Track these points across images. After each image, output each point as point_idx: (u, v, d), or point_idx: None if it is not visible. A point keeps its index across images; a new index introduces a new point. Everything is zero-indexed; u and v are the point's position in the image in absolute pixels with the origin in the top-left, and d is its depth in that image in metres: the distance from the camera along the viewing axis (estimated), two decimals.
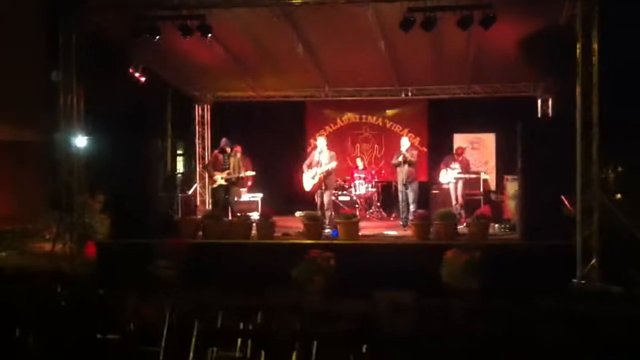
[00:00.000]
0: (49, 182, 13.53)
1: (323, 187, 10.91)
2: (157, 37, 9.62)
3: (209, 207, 14.02)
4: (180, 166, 17.54)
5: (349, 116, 15.20)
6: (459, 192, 11.96)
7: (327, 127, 15.17)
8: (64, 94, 9.95)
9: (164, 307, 5.36)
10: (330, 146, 11.25)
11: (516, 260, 8.68)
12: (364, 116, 15.17)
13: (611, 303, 7.91)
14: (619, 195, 13.77)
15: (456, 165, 12.04)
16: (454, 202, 11.98)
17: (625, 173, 15.13)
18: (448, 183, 12.11)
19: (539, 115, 13.48)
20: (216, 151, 11.90)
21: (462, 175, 11.97)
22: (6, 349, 5.22)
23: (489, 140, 14.55)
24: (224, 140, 11.65)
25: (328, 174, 10.88)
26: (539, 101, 13.58)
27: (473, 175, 12.19)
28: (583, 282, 8.47)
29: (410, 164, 11.39)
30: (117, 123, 10.56)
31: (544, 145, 9.28)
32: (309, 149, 14.44)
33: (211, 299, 6.45)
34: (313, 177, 10.94)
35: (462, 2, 8.82)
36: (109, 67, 11.28)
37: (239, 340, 5.02)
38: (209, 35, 9.68)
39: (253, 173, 12.63)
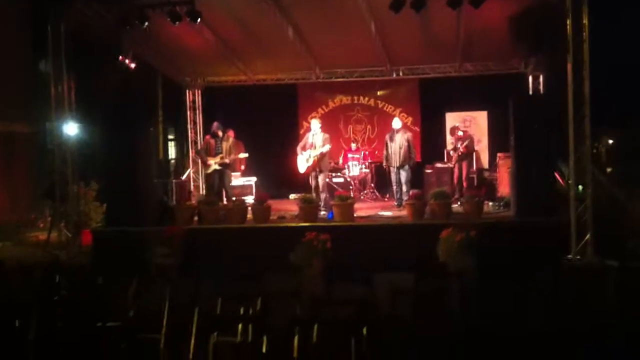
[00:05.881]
0: (41, 172, 13.51)
1: (317, 170, 10.91)
2: (146, 24, 9.54)
3: (203, 192, 14.00)
4: (172, 152, 17.49)
5: (341, 98, 15.18)
6: (464, 172, 12.16)
7: (320, 109, 15.14)
8: (55, 84, 9.87)
9: (163, 294, 5.37)
10: (323, 128, 11.22)
11: (511, 237, 8.73)
12: (355, 97, 15.14)
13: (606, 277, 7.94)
14: (609, 169, 13.86)
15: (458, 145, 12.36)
16: (456, 182, 12.20)
17: (615, 146, 15.21)
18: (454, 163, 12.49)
19: (531, 92, 13.47)
20: (208, 136, 11.84)
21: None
22: (6, 341, 5.22)
23: (481, 118, 14.55)
24: (215, 125, 11.56)
25: (322, 156, 10.87)
26: (530, 78, 13.57)
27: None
28: (578, 257, 8.54)
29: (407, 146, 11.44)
30: (108, 111, 10.49)
31: (536, 121, 9.31)
32: (301, 132, 14.42)
33: (210, 286, 6.48)
34: (307, 160, 10.93)
35: None
36: (99, 56, 11.19)
37: (240, 326, 5.06)
38: (198, 20, 9.61)
39: (246, 155, 12.58)
